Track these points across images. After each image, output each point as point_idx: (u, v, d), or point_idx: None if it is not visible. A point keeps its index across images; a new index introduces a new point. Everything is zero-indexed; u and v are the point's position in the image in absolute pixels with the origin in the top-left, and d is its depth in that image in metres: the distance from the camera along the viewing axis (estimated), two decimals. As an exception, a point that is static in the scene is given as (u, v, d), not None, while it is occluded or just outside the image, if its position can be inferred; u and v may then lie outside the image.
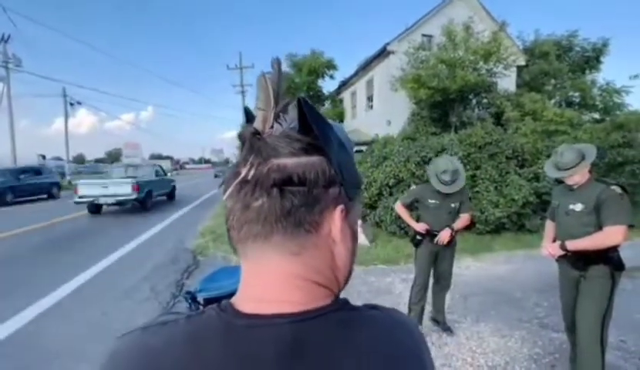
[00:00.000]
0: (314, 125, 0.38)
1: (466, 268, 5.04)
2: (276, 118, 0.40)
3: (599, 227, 2.07)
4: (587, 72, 13.24)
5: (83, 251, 5.94)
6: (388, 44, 12.62)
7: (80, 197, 9.78)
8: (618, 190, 2.07)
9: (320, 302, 0.40)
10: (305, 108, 0.38)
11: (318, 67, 17.49)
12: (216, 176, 35.85)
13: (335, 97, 19.15)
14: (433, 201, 3.01)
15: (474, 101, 10.98)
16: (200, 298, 2.03)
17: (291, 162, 0.38)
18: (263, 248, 0.39)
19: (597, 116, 12.04)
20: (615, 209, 2.02)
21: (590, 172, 2.20)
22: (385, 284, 4.33)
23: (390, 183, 6.96)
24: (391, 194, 6.91)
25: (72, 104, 26.70)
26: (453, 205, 3.01)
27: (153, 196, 11.15)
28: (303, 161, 0.38)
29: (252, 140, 0.39)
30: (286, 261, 0.40)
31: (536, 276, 4.48)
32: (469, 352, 2.80)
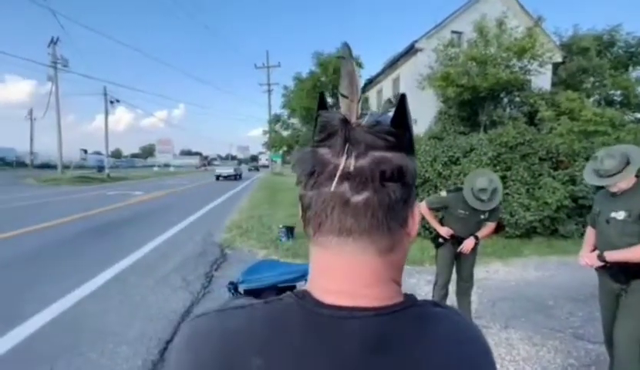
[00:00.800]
0: (411, 123, 0.39)
1: (495, 272, 4.89)
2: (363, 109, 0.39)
3: None
4: (630, 68, 12.42)
5: (123, 239, 6.28)
6: (416, 41, 12.40)
7: (216, 174, 25.86)
8: None
9: (396, 298, 0.41)
10: (406, 105, 0.38)
11: (344, 65, 17.46)
12: (218, 177, 26.01)
13: (361, 96, 19.04)
14: (463, 212, 2.96)
15: (506, 99, 10.57)
16: (241, 289, 2.10)
17: (391, 156, 0.37)
18: (356, 243, 0.38)
19: (641, 115, 11.30)
20: None
21: (637, 176, 2.01)
22: (410, 285, 4.28)
23: (416, 183, 6.85)
24: (417, 194, 6.80)
25: (112, 102, 28.38)
26: (482, 216, 2.97)
27: (239, 174, 27.47)
28: (399, 157, 0.38)
29: (347, 129, 0.37)
30: (376, 258, 0.39)
31: (570, 284, 4.28)
32: (497, 359, 2.72)
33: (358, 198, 0.37)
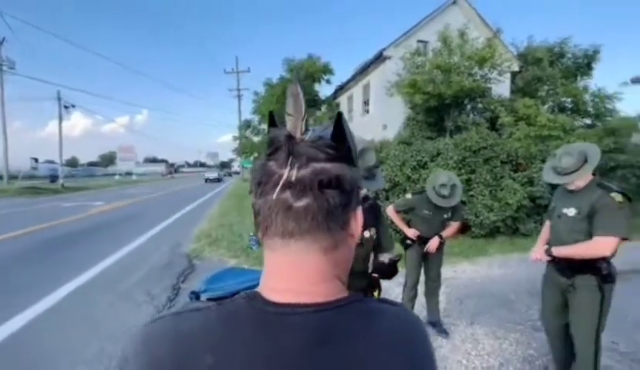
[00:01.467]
0: (349, 137, 0.44)
1: (462, 272, 5.08)
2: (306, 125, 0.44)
3: (590, 236, 1.94)
4: (578, 78, 13.45)
5: (82, 252, 5.90)
6: (384, 49, 12.75)
7: (205, 178, 39.29)
8: (619, 197, 1.89)
9: (340, 295, 0.44)
10: (343, 121, 0.43)
11: (315, 72, 17.59)
12: (206, 180, 38.54)
13: (332, 101, 19.23)
14: (427, 212, 3.10)
15: (469, 106, 11.09)
16: (204, 298, 2.03)
17: (330, 166, 0.42)
18: (299, 244, 0.42)
19: (589, 121, 12.23)
20: (610, 218, 1.87)
21: (594, 174, 2.03)
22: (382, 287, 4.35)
23: (386, 187, 7.01)
24: (387, 198, 6.95)
25: (66, 107, 26.61)
26: (445, 215, 3.12)
27: (220, 178, 40.05)
28: (338, 167, 0.42)
29: (291, 144, 0.42)
30: (319, 257, 0.43)
31: (529, 279, 4.53)
32: (464, 354, 2.83)
33: (299, 204, 0.41)
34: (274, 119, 0.46)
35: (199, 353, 0.39)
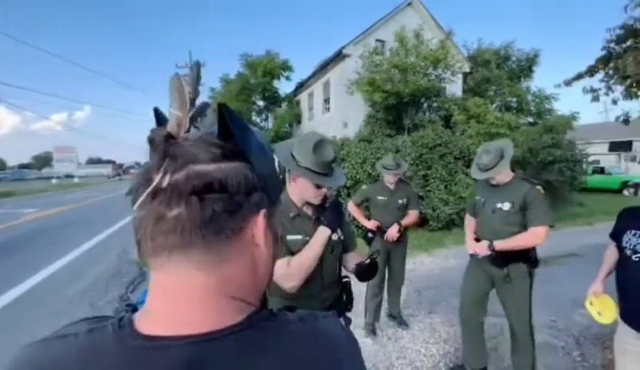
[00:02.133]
0: (236, 130, 0.37)
1: (421, 264, 5.31)
2: (192, 122, 0.38)
3: (523, 227, 2.09)
4: (522, 79, 14.59)
5: (9, 266, 5.35)
6: (344, 47, 12.90)
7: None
8: (541, 189, 2.11)
9: (230, 320, 0.38)
10: (226, 113, 0.37)
11: (274, 68, 17.36)
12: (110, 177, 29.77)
13: (292, 98, 19.14)
14: (382, 198, 3.16)
15: (425, 105, 11.58)
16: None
17: (211, 168, 0.37)
18: (178, 261, 0.37)
19: (531, 119, 13.30)
20: (542, 210, 2.06)
21: (513, 171, 2.23)
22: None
23: (347, 185, 7.12)
24: (349, 195, 7.06)
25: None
26: (400, 201, 3.16)
27: None
28: (224, 167, 0.37)
29: (166, 145, 0.36)
30: (203, 274, 0.37)
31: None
32: (422, 343, 2.96)
33: (170, 214, 0.36)
34: (159, 117, 0.41)
35: None
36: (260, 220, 0.41)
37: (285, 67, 17.83)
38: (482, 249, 2.19)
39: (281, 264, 1.35)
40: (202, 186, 0.36)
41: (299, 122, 18.02)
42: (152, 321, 0.38)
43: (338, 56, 13.28)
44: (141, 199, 0.36)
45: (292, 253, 1.38)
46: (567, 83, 4.88)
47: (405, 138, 8.19)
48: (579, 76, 4.61)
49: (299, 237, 1.41)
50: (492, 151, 2.17)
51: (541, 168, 8.76)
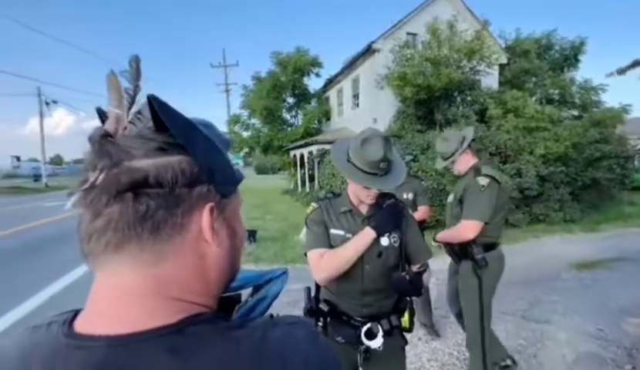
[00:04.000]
0: (169, 122, 0.36)
1: (452, 263, 5.13)
2: (134, 118, 0.38)
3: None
4: (565, 70, 13.65)
5: (60, 257, 5.77)
6: (373, 42, 12.67)
7: None
8: (484, 180, 1.90)
9: (161, 322, 0.35)
10: (156, 105, 0.36)
11: (304, 65, 17.39)
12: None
13: (321, 95, 19.12)
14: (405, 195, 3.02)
15: (458, 98, 11.15)
16: None
17: (144, 163, 0.35)
18: (113, 260, 0.36)
19: (575, 112, 12.43)
20: (471, 202, 1.91)
21: (480, 158, 2.12)
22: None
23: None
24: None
25: (47, 103, 25.76)
26: (405, 195, 3.00)
27: None
28: (159, 161, 0.36)
29: (101, 143, 0.36)
30: (137, 274, 0.36)
31: (518, 269, 4.59)
32: (455, 346, 2.85)
33: (104, 212, 0.35)
34: (102, 115, 0.40)
35: None
36: (205, 215, 0.39)
37: (315, 63, 17.80)
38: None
39: (314, 255, 1.35)
40: (132, 181, 0.34)
41: (328, 118, 17.98)
42: (84, 319, 0.37)
43: (368, 51, 13.07)
44: (74, 198, 0.36)
45: (332, 247, 1.35)
46: (621, 72, 4.51)
47: (436, 133, 7.93)
48: (635, 63, 4.23)
49: (341, 232, 1.37)
50: (450, 138, 2.11)
51: (587, 165, 8.16)
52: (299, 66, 17.22)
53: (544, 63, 12.71)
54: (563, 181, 7.76)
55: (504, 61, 12.71)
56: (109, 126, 0.37)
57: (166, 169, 0.36)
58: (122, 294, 0.36)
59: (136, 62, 0.40)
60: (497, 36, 13.46)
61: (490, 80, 11.72)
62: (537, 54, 12.98)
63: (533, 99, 11.76)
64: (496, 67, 11.83)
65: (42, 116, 25.77)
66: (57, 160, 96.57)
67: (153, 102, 0.36)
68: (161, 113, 0.36)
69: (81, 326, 0.36)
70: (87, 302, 0.38)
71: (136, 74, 0.39)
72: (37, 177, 29.40)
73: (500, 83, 13.13)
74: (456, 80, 9.52)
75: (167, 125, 0.36)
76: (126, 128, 0.37)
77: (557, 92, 12.51)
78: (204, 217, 0.39)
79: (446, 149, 2.10)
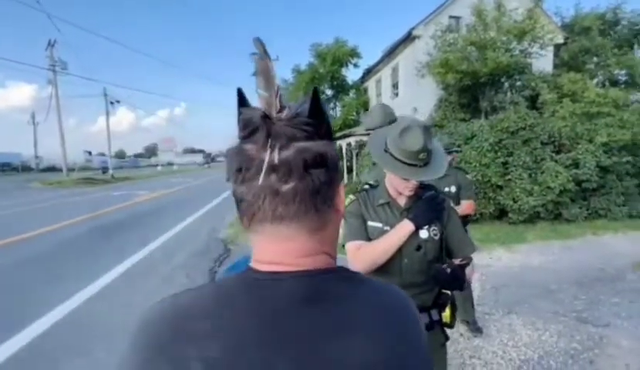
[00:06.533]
0: (325, 113, 0.43)
1: (498, 259, 4.88)
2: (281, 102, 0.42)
3: None
4: (635, 46, 12.15)
5: (128, 238, 6.33)
6: (413, 28, 12.20)
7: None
8: None
9: (327, 266, 0.46)
10: (319, 96, 0.42)
11: (342, 56, 17.23)
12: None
13: (360, 86, 18.84)
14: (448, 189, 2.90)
15: (507, 84, 10.42)
16: None
17: (311, 145, 0.41)
18: (288, 227, 0.42)
19: (645, 95, 11.09)
20: None
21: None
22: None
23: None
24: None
25: (112, 103, 28.52)
26: (446, 189, 2.86)
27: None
28: (319, 144, 0.42)
29: (268, 124, 0.40)
30: (306, 237, 0.44)
31: (574, 268, 4.27)
32: (499, 345, 2.73)
33: (286, 187, 0.40)
34: (243, 98, 0.43)
35: (195, 320, 0.40)
36: (342, 191, 0.48)
37: (354, 54, 17.57)
38: None
39: (352, 247, 1.34)
40: (310, 160, 0.40)
41: (367, 109, 17.71)
42: (267, 266, 0.44)
43: (408, 38, 12.63)
44: (252, 175, 0.40)
45: (370, 240, 1.34)
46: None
47: (482, 122, 7.50)
48: None
49: (379, 225, 1.35)
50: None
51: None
52: (338, 57, 17.10)
53: (607, 41, 11.43)
54: (629, 172, 6.99)
55: (560, 40, 11.63)
56: (265, 109, 0.41)
57: (327, 152, 0.42)
58: (302, 251, 0.44)
59: (260, 43, 0.43)
60: (553, 14, 12.35)
61: (542, 63, 10.80)
62: (601, 31, 11.68)
63: (595, 81, 10.68)
64: (551, 48, 10.86)
65: (108, 114, 28.55)
66: (120, 154, 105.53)
67: (318, 93, 0.42)
68: (322, 105, 0.42)
69: (269, 269, 0.44)
70: (260, 255, 0.45)
71: (264, 54, 0.43)
72: (105, 169, 32.45)
73: (555, 66, 12.06)
74: (504, 64, 8.90)
75: (325, 115, 0.43)
76: (279, 111, 0.41)
77: (623, 72, 11.22)
78: (341, 193, 0.48)
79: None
